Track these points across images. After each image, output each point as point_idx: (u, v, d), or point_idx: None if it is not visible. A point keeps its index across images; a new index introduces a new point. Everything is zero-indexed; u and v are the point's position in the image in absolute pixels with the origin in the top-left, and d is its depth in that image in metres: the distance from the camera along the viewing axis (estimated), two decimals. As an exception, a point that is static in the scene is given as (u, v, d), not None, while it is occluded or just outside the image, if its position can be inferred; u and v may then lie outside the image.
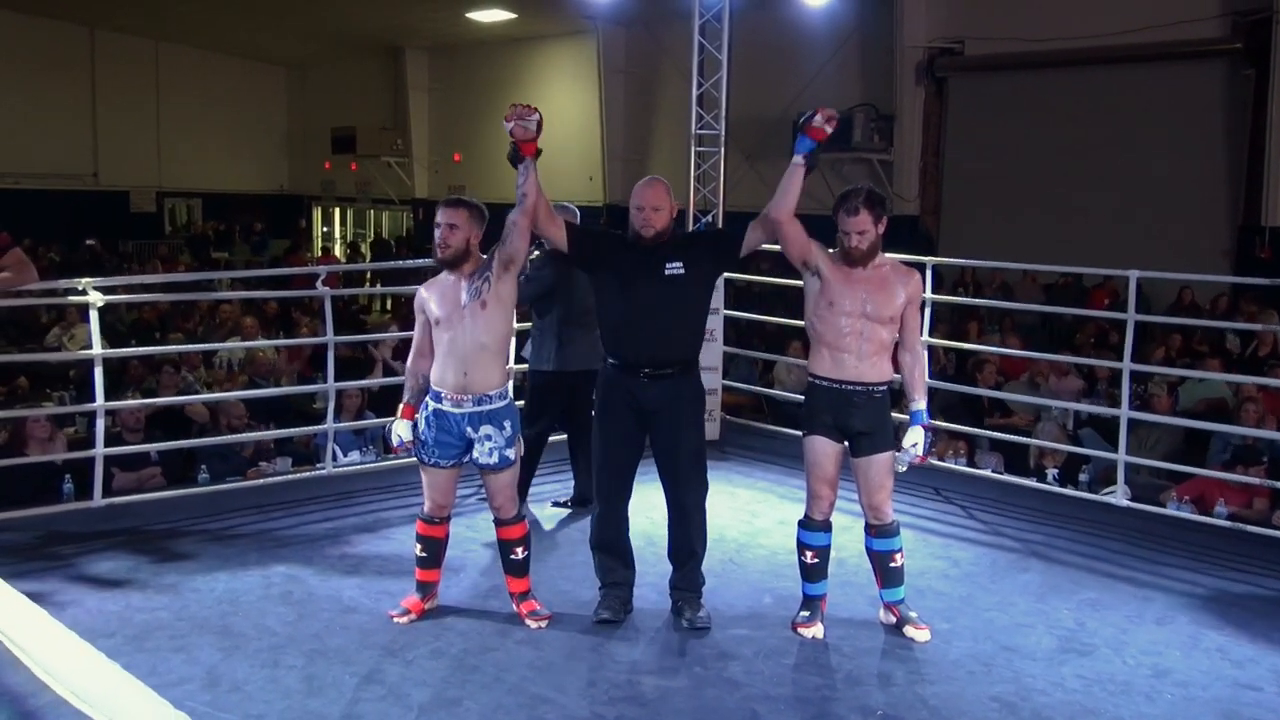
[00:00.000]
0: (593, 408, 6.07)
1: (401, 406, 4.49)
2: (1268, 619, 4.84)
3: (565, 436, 6.33)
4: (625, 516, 4.64)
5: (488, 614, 4.64)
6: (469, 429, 4.39)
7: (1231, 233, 11.96)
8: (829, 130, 4.26)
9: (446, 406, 4.38)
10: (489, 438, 4.39)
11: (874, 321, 4.34)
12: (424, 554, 4.59)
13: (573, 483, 6.31)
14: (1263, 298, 10.25)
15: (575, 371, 5.89)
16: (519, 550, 4.57)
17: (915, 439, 4.40)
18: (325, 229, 25.24)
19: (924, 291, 6.64)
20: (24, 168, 20.71)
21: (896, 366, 4.50)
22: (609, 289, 4.49)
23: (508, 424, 4.43)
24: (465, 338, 4.33)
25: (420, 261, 6.59)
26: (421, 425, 4.44)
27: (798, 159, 4.30)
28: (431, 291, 4.43)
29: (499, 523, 4.58)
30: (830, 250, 4.41)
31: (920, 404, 4.44)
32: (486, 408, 4.39)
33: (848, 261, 4.35)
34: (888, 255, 4.50)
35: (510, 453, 4.45)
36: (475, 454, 4.42)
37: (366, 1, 18.28)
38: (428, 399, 4.44)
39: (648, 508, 5.33)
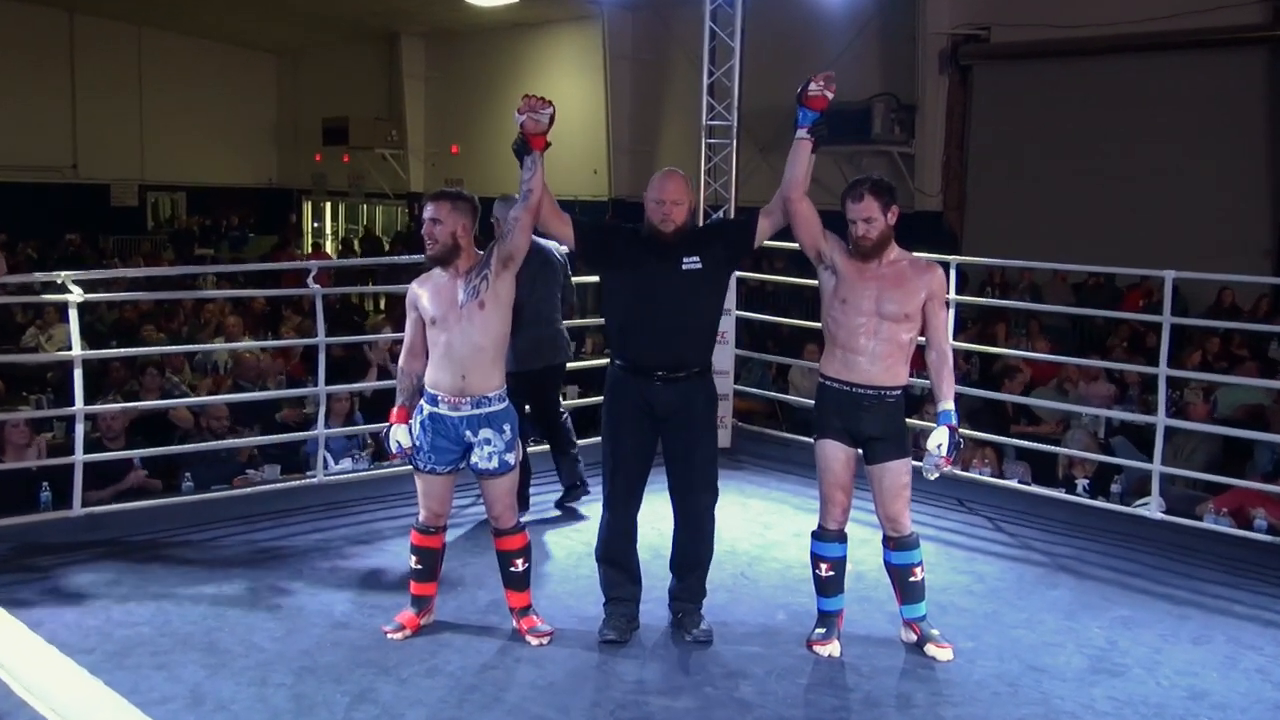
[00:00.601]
0: (557, 403, 6.28)
1: (395, 409, 4.49)
2: (1310, 639, 4.83)
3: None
4: (635, 527, 4.65)
5: (487, 630, 4.65)
6: (467, 432, 4.39)
7: (1272, 231, 11.94)
8: (829, 95, 4.26)
9: (443, 410, 4.39)
10: (488, 441, 4.40)
11: (889, 320, 4.33)
12: (419, 566, 4.59)
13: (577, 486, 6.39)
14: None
15: (533, 370, 6.01)
16: (519, 562, 4.57)
17: (940, 439, 4.36)
18: (316, 224, 25.30)
19: (949, 288, 6.71)
20: (-1, 159, 20.82)
21: (920, 368, 4.48)
22: (621, 287, 4.50)
23: (507, 427, 4.44)
24: (462, 340, 4.33)
25: (415, 258, 6.62)
26: (417, 430, 4.44)
27: (801, 133, 4.31)
28: (424, 288, 4.43)
29: (497, 533, 4.58)
30: (849, 245, 4.41)
31: (947, 405, 4.42)
32: (485, 410, 4.39)
33: (858, 254, 4.35)
34: (911, 254, 4.50)
35: (510, 457, 4.45)
36: (474, 459, 4.42)
37: (360, -15, 18.37)
38: (423, 402, 4.45)
39: (655, 519, 5.33)
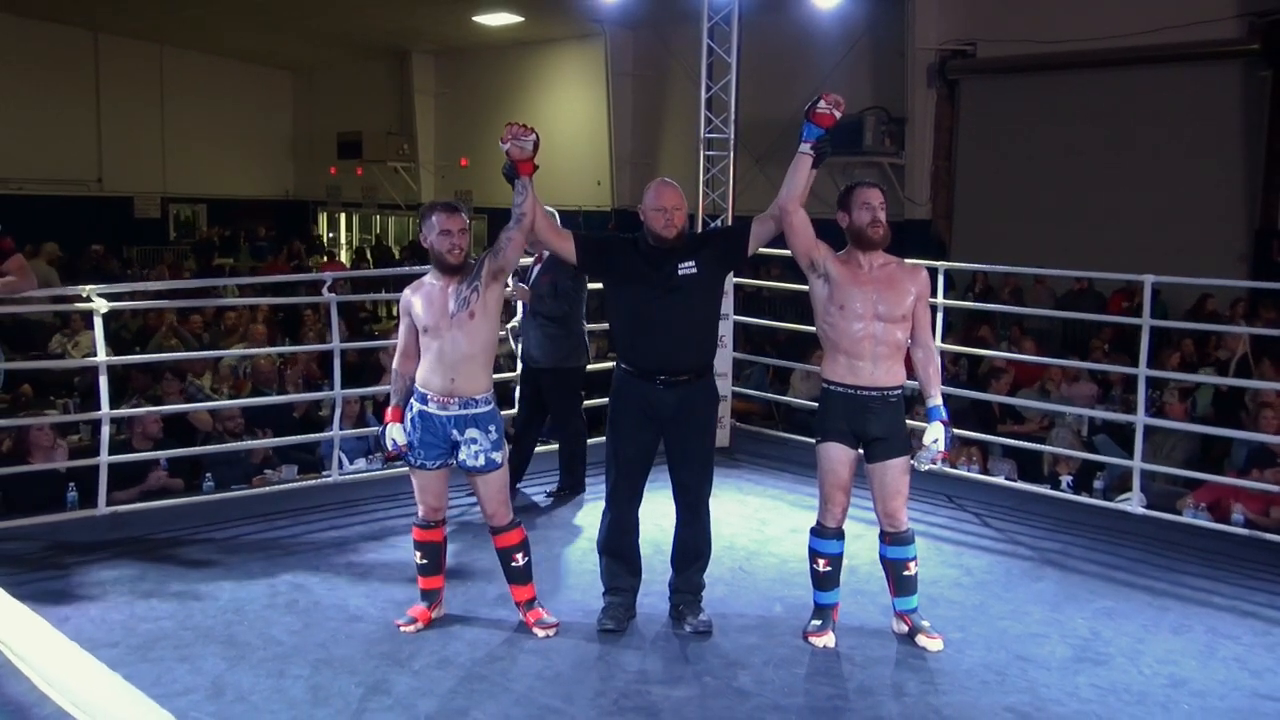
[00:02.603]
0: (556, 403, 6.41)
1: (389, 409, 4.50)
2: (1286, 628, 4.81)
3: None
4: (636, 522, 4.66)
5: (495, 623, 4.64)
6: (454, 431, 4.40)
7: (1248, 236, 11.93)
8: (836, 115, 4.25)
9: (432, 409, 4.39)
10: (474, 441, 4.40)
11: (887, 322, 4.33)
12: (424, 560, 4.60)
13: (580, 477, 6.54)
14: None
15: (537, 370, 6.31)
16: (518, 557, 4.56)
17: (936, 434, 4.37)
18: (331, 234, 25.31)
19: (937, 291, 6.71)
20: (27, 173, 20.79)
21: (909, 367, 4.49)
22: (622, 296, 4.51)
23: (493, 428, 4.44)
24: (453, 347, 4.34)
25: (424, 268, 6.62)
26: (407, 426, 4.45)
27: (804, 147, 4.30)
28: (417, 295, 4.43)
29: (494, 531, 4.58)
30: (838, 252, 4.40)
31: (937, 400, 4.43)
32: (472, 411, 4.40)
33: (861, 246, 4.35)
34: (898, 258, 4.50)
35: (497, 456, 4.45)
36: (462, 456, 4.42)
37: (372, 5, 18.34)
38: (413, 400, 4.46)
39: (657, 516, 5.33)
